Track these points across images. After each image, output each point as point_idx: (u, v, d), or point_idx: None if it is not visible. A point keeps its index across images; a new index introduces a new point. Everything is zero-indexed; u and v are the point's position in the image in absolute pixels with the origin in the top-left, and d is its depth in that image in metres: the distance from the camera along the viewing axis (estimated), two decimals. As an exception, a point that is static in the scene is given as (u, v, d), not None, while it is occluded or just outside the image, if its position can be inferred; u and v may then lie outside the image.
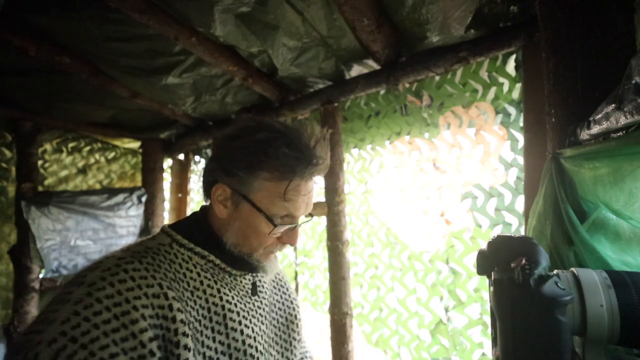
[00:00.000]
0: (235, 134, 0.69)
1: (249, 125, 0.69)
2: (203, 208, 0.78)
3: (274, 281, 0.88)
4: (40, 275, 2.55)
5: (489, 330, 1.56)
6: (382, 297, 2.06)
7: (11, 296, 2.51)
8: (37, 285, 2.51)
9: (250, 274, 0.76)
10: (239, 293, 0.73)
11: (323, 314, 2.41)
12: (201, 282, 0.67)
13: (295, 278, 2.64)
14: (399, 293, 1.98)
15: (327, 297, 2.16)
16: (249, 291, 0.76)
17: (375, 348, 2.06)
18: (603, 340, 0.45)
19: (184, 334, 0.58)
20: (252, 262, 0.72)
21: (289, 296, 0.89)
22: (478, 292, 1.64)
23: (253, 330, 0.70)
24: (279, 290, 0.88)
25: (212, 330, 0.64)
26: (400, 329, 1.94)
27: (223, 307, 0.67)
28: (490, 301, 0.48)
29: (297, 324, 0.85)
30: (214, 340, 0.64)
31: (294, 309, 0.87)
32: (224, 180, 0.69)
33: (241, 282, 0.75)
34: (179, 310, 0.58)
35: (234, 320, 0.68)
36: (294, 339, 0.83)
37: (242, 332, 0.68)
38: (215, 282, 0.69)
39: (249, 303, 0.74)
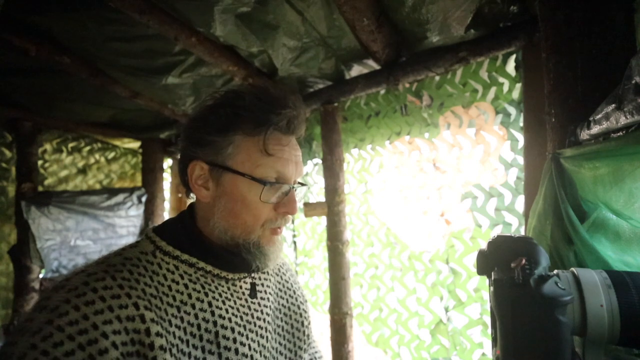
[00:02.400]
0: (201, 110, 0.65)
1: (212, 97, 0.65)
2: (190, 205, 0.70)
3: (279, 282, 0.79)
4: (40, 275, 2.55)
5: (489, 330, 1.56)
6: (382, 297, 2.06)
7: (11, 296, 2.51)
8: (37, 285, 2.51)
9: (248, 275, 0.68)
10: (235, 302, 0.64)
11: (323, 314, 2.41)
12: (189, 295, 0.59)
13: (295, 278, 2.64)
14: (399, 293, 1.98)
15: (327, 297, 2.16)
16: (248, 295, 0.67)
17: (375, 348, 2.06)
18: (603, 340, 0.45)
19: None
20: (252, 250, 0.62)
21: (296, 299, 0.80)
22: (478, 292, 1.64)
23: (250, 347, 0.62)
24: (285, 293, 0.79)
25: (203, 349, 0.57)
26: (400, 329, 1.94)
27: (215, 322, 0.59)
28: (490, 301, 0.48)
29: (304, 331, 0.77)
30: None
31: (301, 314, 0.78)
32: (198, 155, 0.62)
33: (240, 286, 0.67)
34: (157, 334, 0.51)
35: (227, 338, 0.60)
36: (300, 348, 0.75)
37: (237, 350, 0.60)
38: (206, 294, 0.61)
39: (246, 314, 0.65)
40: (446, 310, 1.75)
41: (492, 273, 0.48)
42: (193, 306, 0.59)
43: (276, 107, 0.61)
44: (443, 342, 1.75)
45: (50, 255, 2.54)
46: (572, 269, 0.50)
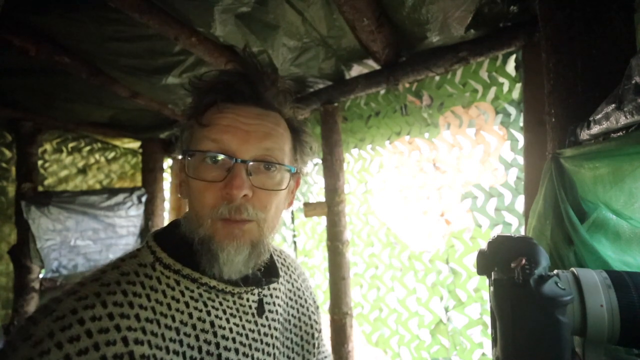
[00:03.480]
0: None
1: None
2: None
3: (290, 290, 0.73)
4: (40, 275, 2.55)
5: (489, 330, 1.56)
6: (382, 297, 2.06)
7: (11, 296, 2.51)
8: (37, 285, 2.51)
9: (257, 288, 0.62)
10: (240, 319, 0.59)
11: (323, 313, 2.41)
12: (190, 315, 0.53)
13: (295, 278, 2.64)
14: (399, 293, 1.98)
15: (327, 297, 2.16)
16: (255, 312, 0.61)
17: (375, 348, 2.06)
18: (603, 340, 0.45)
19: None
20: (206, 250, 0.54)
21: (307, 309, 0.74)
22: (478, 292, 1.64)
23: None
24: (296, 302, 0.73)
25: None
26: (400, 329, 1.94)
27: (217, 345, 0.54)
28: (490, 301, 0.48)
29: (314, 344, 0.72)
30: None
31: (312, 326, 0.73)
32: (177, 151, 0.61)
33: (246, 299, 0.61)
34: None
35: None
36: None
37: None
38: (209, 313, 0.55)
39: (252, 331, 0.59)
40: (446, 310, 1.75)
41: (492, 273, 0.48)
42: (194, 327, 0.53)
43: (222, 76, 0.57)
44: (443, 342, 1.75)
45: (50, 255, 2.54)
46: (572, 269, 0.50)
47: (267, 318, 0.63)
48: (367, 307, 2.13)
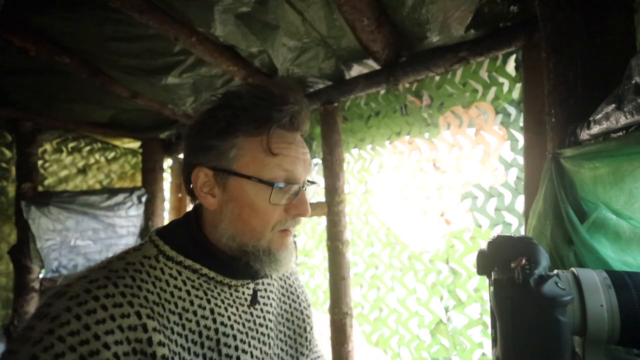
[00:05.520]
0: (201, 115, 0.63)
1: (211, 102, 0.64)
2: (196, 207, 0.68)
3: (283, 287, 0.78)
4: (40, 275, 2.56)
5: (489, 330, 1.56)
6: (382, 297, 2.06)
7: (11, 296, 2.51)
8: (37, 285, 2.51)
9: (252, 282, 0.67)
10: (237, 309, 0.64)
11: (323, 313, 2.41)
12: (191, 302, 0.58)
13: (295, 278, 2.64)
14: (399, 293, 1.98)
15: (327, 297, 2.16)
16: (249, 301, 0.66)
17: (375, 348, 2.06)
18: (603, 340, 0.45)
19: None
20: (262, 257, 0.61)
21: (299, 304, 0.79)
22: (478, 292, 1.64)
23: (252, 355, 0.62)
24: (288, 298, 0.78)
25: (204, 357, 0.56)
26: (400, 329, 1.94)
27: (217, 330, 0.59)
28: (490, 301, 0.48)
29: (306, 337, 0.76)
30: None
31: (303, 320, 0.77)
32: (201, 161, 0.60)
33: (242, 292, 0.66)
34: (160, 344, 0.50)
35: (229, 346, 0.59)
36: (301, 353, 0.75)
37: (238, 358, 0.59)
38: (209, 301, 0.60)
39: (248, 321, 0.64)
40: (446, 310, 1.75)
41: (492, 273, 0.48)
42: (195, 313, 0.58)
43: (277, 104, 0.59)
44: (443, 342, 1.75)
45: (50, 255, 2.54)
46: (572, 269, 0.50)
47: (261, 310, 0.68)
48: (367, 307, 2.13)
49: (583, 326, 0.46)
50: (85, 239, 2.73)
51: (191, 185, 0.63)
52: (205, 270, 0.61)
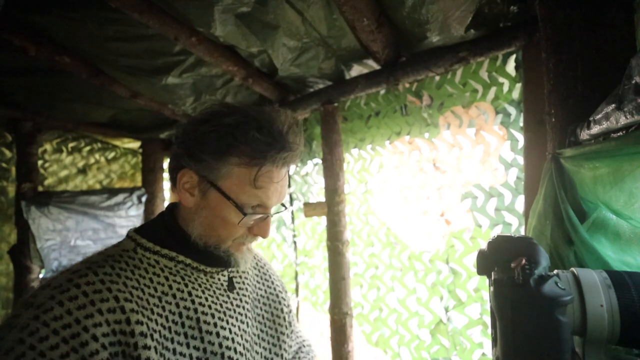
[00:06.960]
0: (204, 118, 0.65)
1: (219, 110, 0.65)
2: (170, 205, 0.74)
3: (257, 275, 0.84)
4: (40, 275, 2.55)
5: (489, 330, 1.56)
6: (382, 297, 2.06)
7: (11, 296, 2.51)
8: (37, 285, 2.51)
9: (226, 269, 0.72)
10: (214, 292, 0.69)
11: (323, 313, 2.41)
12: (170, 287, 0.63)
13: (296, 278, 2.64)
14: (399, 293, 1.98)
15: (327, 297, 2.16)
16: (226, 288, 0.72)
17: (375, 348, 2.06)
18: (603, 340, 0.45)
19: (145, 347, 0.54)
20: (221, 254, 0.68)
21: (274, 289, 0.85)
22: (478, 292, 1.64)
23: (231, 331, 0.67)
24: (263, 284, 0.83)
25: (186, 335, 0.61)
26: (400, 329, 1.94)
27: (196, 310, 0.64)
28: (490, 301, 0.48)
29: (284, 317, 0.81)
30: (187, 346, 0.61)
31: (280, 302, 0.83)
32: (190, 166, 0.64)
33: (218, 279, 0.71)
34: (137, 322, 0.55)
35: (209, 323, 0.64)
36: (282, 333, 0.79)
37: (218, 334, 0.64)
38: (186, 285, 0.65)
39: (226, 302, 0.69)
40: (446, 310, 1.75)
41: (492, 273, 0.48)
42: (174, 296, 0.63)
43: (275, 146, 0.62)
44: (443, 342, 1.75)
45: (50, 255, 2.54)
46: (572, 269, 0.50)
47: (237, 294, 0.73)
48: (367, 307, 2.13)
49: (583, 326, 0.46)
50: (85, 239, 2.73)
51: (175, 177, 0.68)
52: (181, 258, 0.66)
